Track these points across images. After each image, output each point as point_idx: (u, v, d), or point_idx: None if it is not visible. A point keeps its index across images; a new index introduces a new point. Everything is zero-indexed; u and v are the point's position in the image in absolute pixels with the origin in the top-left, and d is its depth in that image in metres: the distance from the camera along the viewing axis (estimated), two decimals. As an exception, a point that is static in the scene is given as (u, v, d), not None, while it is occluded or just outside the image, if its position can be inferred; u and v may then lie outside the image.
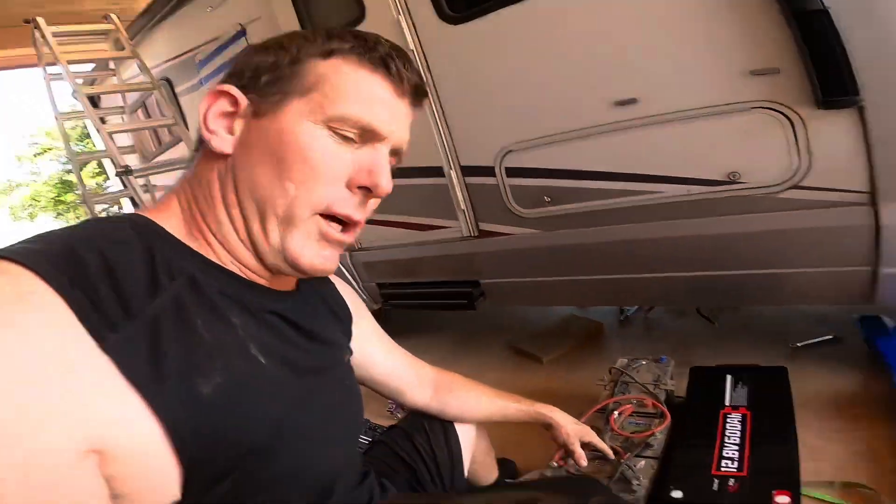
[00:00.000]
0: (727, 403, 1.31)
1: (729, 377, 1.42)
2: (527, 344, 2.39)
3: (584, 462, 1.10)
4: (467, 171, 1.94)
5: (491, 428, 1.26)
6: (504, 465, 1.51)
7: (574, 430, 1.13)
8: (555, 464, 1.19)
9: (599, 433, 1.27)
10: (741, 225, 1.52)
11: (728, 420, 1.23)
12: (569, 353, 2.27)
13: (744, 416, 1.23)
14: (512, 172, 1.84)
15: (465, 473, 1.07)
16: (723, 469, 1.07)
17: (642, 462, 1.15)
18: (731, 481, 1.03)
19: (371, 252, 2.40)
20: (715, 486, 1.03)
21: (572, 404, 1.83)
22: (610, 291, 1.96)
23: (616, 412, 1.32)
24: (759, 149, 1.45)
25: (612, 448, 1.19)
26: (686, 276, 1.71)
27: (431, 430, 1.03)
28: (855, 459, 1.27)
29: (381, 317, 2.84)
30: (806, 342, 1.86)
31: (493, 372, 2.28)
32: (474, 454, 1.13)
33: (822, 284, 1.53)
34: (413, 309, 2.66)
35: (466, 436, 1.08)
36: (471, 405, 1.07)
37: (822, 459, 1.25)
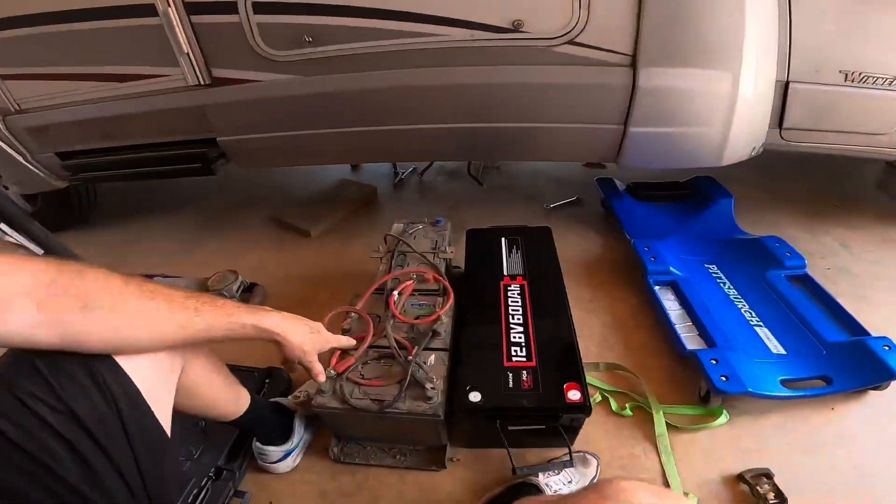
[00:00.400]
0: (505, 272, 1.27)
1: (503, 240, 1.38)
2: (292, 216, 2.03)
3: (322, 378, 0.90)
4: (193, 7, 1.44)
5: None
6: (271, 379, 1.26)
7: (309, 341, 0.84)
8: (333, 372, 0.99)
9: (380, 322, 1.10)
10: (516, 76, 1.42)
11: (509, 294, 1.20)
12: (341, 223, 2.01)
13: (522, 289, 1.21)
14: (261, 8, 1.42)
15: (167, 423, 0.68)
16: (514, 360, 1.02)
17: (432, 357, 1.03)
18: (525, 374, 0.99)
19: (40, 114, 1.72)
20: (510, 383, 0.98)
21: (348, 283, 1.59)
22: (378, 146, 1.70)
23: (396, 292, 1.14)
24: (546, -3, 1.31)
25: (397, 342, 1.03)
26: (458, 129, 1.56)
27: (60, 374, 0.56)
28: (607, 332, 1.40)
29: (77, 198, 2.12)
30: (556, 203, 2.02)
31: (253, 252, 1.89)
32: (188, 385, 0.79)
33: (578, 141, 1.56)
34: (123, 181, 1.96)
35: (144, 367, 0.64)
36: (133, 326, 0.60)
37: (583, 335, 1.27)
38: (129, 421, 0.60)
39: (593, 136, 1.51)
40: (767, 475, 0.99)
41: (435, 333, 1.06)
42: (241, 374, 1.24)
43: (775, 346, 1.27)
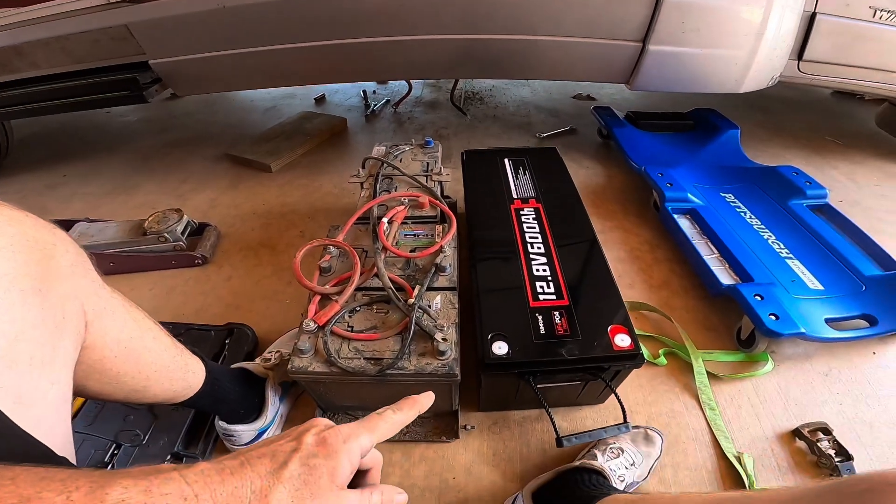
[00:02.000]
0: (515, 195, 1.01)
1: (507, 161, 1.12)
2: (247, 151, 1.68)
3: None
4: None
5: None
6: (232, 338, 0.97)
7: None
8: (312, 323, 0.71)
9: (365, 258, 0.82)
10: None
11: (523, 220, 0.94)
12: (306, 156, 1.68)
13: (537, 212, 0.96)
14: None
15: (55, 432, 0.41)
16: (541, 299, 0.78)
17: (438, 298, 0.76)
18: (557, 316, 0.75)
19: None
20: (541, 328, 0.73)
21: (319, 219, 1.33)
22: (351, 62, 1.36)
23: (385, 219, 0.87)
24: None
25: (392, 281, 0.76)
26: (450, 41, 1.27)
27: None
28: (623, 268, 1.18)
29: None
30: (549, 133, 1.77)
31: (202, 192, 1.54)
32: (103, 360, 0.52)
33: (589, 58, 1.30)
34: (33, 115, 1.55)
35: None
36: None
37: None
38: None
39: (607, 54, 1.28)
40: (825, 430, 0.83)
41: (439, 268, 0.79)
42: (192, 335, 0.96)
43: (811, 282, 1.08)
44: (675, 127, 1.69)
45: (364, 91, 2.14)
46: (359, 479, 0.42)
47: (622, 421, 0.70)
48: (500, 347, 0.69)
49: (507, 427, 0.86)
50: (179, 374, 0.64)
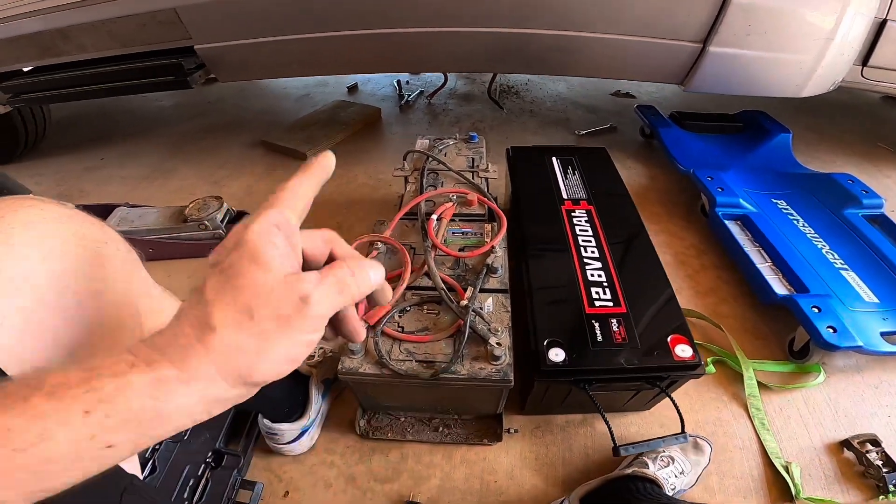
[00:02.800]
0: (565, 196, 0.97)
1: (555, 160, 1.08)
2: (282, 138, 1.67)
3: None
4: None
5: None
6: None
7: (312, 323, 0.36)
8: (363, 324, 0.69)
9: (413, 256, 0.80)
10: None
11: (575, 222, 0.90)
12: (340, 145, 1.66)
13: (589, 215, 0.92)
14: None
15: None
16: (596, 305, 0.75)
17: (490, 301, 0.74)
18: (615, 324, 0.72)
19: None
20: (598, 335, 0.70)
21: (356, 211, 1.30)
22: (392, 52, 1.34)
23: (434, 216, 0.84)
24: None
25: (443, 281, 0.74)
26: (493, 34, 1.23)
27: None
28: (670, 274, 1.11)
29: (23, 124, 1.64)
30: (589, 130, 1.72)
31: (238, 178, 1.54)
32: None
33: (642, 57, 1.26)
34: (77, 100, 1.56)
35: None
36: None
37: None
38: None
39: (663, 54, 1.23)
40: (874, 441, 0.81)
41: (490, 269, 0.77)
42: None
43: (867, 294, 1.03)
44: (723, 129, 1.63)
45: (398, 81, 2.11)
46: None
47: (680, 431, 0.67)
48: (556, 354, 0.67)
49: (550, 431, 0.84)
50: None
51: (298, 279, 0.28)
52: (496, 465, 0.79)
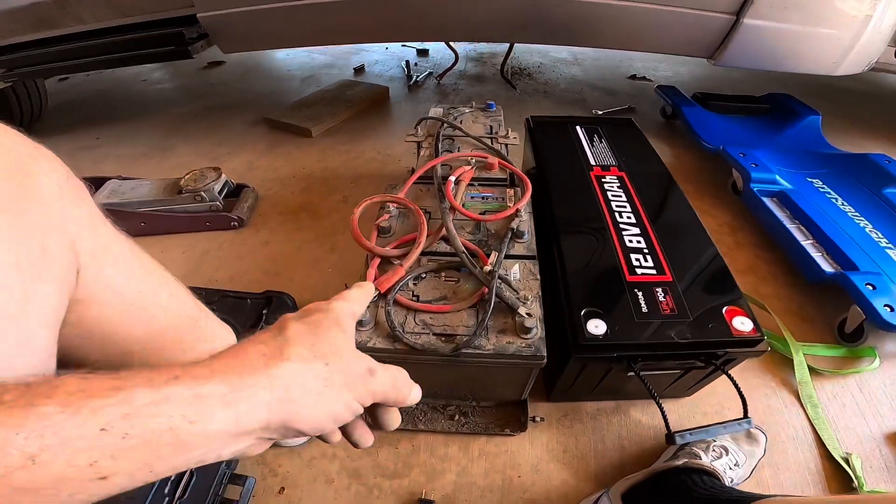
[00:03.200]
0: (593, 163, 0.88)
1: (580, 129, 0.99)
2: (287, 116, 1.58)
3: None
4: None
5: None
6: (271, 308, 0.86)
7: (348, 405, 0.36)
8: (374, 290, 0.60)
9: (429, 220, 0.72)
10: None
11: (606, 188, 0.81)
12: (347, 122, 1.58)
13: (622, 181, 0.83)
14: None
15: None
16: (638, 273, 0.65)
17: (516, 267, 0.65)
18: (660, 293, 0.62)
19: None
20: (642, 305, 0.60)
21: (363, 185, 1.22)
22: (406, 18, 1.25)
23: (452, 178, 0.75)
24: None
25: (464, 246, 0.65)
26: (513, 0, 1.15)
27: None
28: None
29: (17, 101, 1.56)
30: (607, 110, 1.64)
31: (239, 155, 1.45)
32: (101, 322, 0.40)
33: (673, 28, 1.18)
34: (72, 72, 1.48)
35: None
36: None
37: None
38: None
39: (695, 25, 1.16)
40: None
41: (515, 234, 0.68)
42: (226, 303, 0.86)
43: (915, 274, 0.94)
44: (749, 111, 1.55)
45: (406, 62, 2.03)
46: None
47: (742, 416, 0.58)
48: (596, 326, 0.58)
49: (580, 420, 0.75)
50: (204, 344, 0.51)
51: (367, 356, 0.33)
52: (520, 459, 0.70)
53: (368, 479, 0.67)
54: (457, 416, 0.73)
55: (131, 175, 1.33)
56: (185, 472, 0.61)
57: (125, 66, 1.48)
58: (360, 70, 2.05)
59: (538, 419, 0.73)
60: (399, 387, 0.34)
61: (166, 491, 0.58)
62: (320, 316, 0.32)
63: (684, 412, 0.76)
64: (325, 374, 0.29)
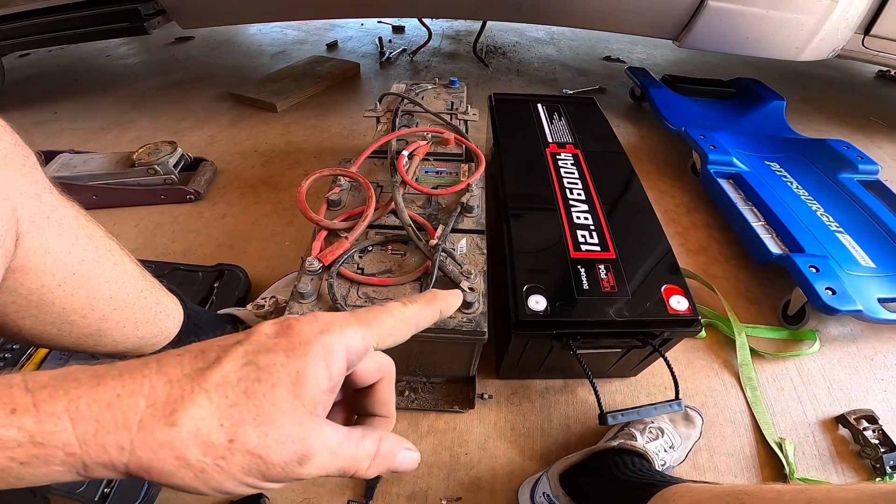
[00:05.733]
0: (550, 140, 0.87)
1: (541, 106, 0.97)
2: (252, 90, 1.52)
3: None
4: None
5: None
6: (223, 280, 0.84)
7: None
8: (316, 262, 0.58)
9: (381, 193, 0.69)
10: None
11: (560, 165, 0.80)
12: (314, 98, 1.53)
13: (576, 158, 0.82)
14: None
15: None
16: (583, 249, 0.65)
17: (464, 241, 0.63)
18: (602, 270, 0.62)
19: None
20: (584, 282, 0.60)
21: (327, 158, 1.19)
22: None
23: (405, 153, 0.73)
24: None
25: (412, 219, 0.63)
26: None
27: None
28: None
29: None
30: (578, 90, 1.61)
31: (200, 129, 1.39)
32: (40, 290, 0.38)
33: (639, 8, 1.16)
34: (22, 49, 1.40)
35: None
36: None
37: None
38: None
39: (659, 5, 1.16)
40: (871, 418, 0.74)
41: (465, 208, 0.66)
42: (177, 275, 0.83)
43: (862, 258, 0.95)
44: (715, 94, 1.54)
45: (380, 38, 1.96)
46: (363, 401, 0.28)
47: (673, 398, 0.58)
48: (536, 302, 0.57)
49: (528, 398, 0.74)
50: (148, 315, 0.49)
51: (316, 431, 0.21)
52: (467, 436, 0.69)
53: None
54: (406, 392, 0.72)
55: (87, 149, 1.27)
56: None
57: (81, 41, 1.40)
58: (332, 46, 1.98)
59: (486, 397, 0.73)
60: (359, 469, 0.23)
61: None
62: (279, 359, 0.21)
63: (630, 392, 0.76)
64: (221, 453, 0.19)
